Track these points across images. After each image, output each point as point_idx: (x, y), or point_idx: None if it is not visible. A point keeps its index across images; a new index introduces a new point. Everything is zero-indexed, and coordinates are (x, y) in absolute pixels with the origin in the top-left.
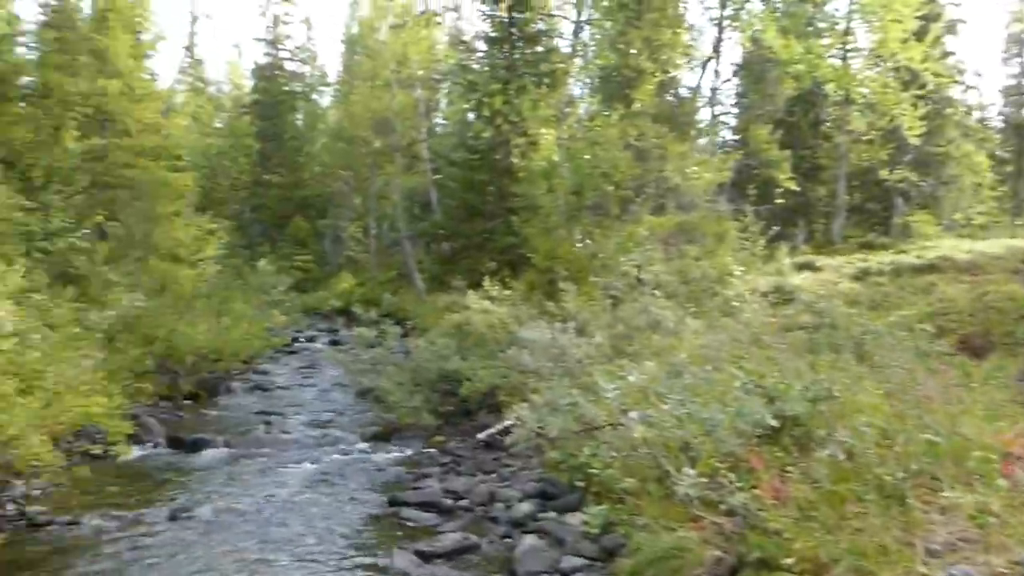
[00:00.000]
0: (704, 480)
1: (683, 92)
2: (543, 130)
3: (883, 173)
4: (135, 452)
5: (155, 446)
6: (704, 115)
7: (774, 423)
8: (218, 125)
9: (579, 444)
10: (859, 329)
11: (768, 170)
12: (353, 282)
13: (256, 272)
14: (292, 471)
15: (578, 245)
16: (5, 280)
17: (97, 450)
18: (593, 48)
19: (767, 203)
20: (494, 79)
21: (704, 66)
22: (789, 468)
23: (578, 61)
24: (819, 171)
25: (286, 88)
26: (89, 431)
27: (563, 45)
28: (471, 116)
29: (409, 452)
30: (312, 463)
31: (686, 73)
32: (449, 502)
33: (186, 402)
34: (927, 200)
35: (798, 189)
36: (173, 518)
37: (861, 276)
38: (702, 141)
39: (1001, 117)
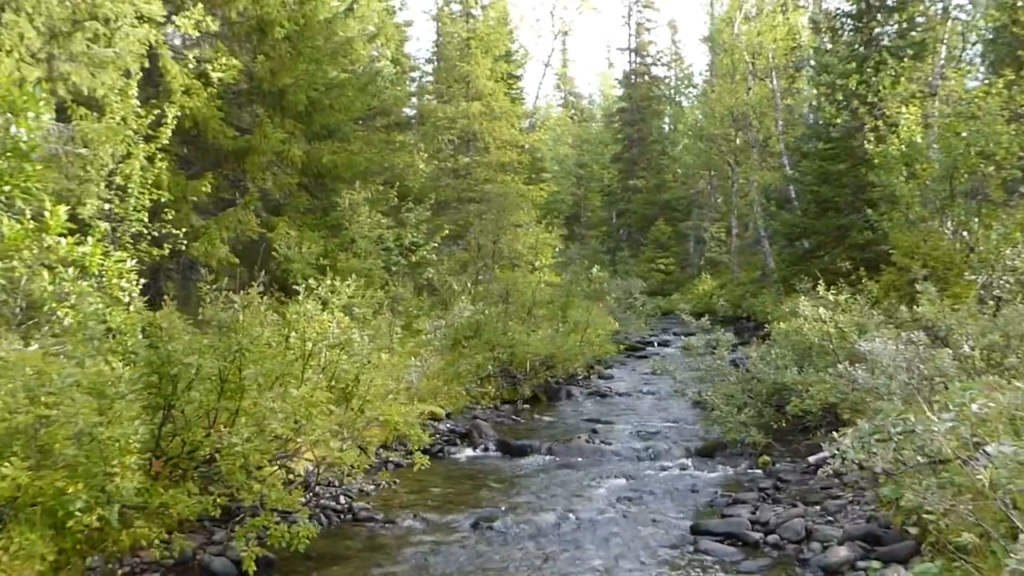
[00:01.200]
0: None
1: None
2: (903, 109)
3: None
4: (468, 453)
5: (485, 449)
6: None
7: None
8: (589, 134)
9: (916, 480)
10: None
11: None
12: (714, 283)
13: (590, 279)
14: (604, 484)
15: (947, 238)
16: (340, 293)
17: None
18: (972, 9)
19: None
20: (851, 58)
21: None
22: None
23: (955, 25)
24: None
25: (651, 93)
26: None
27: (933, 9)
28: (825, 102)
29: (731, 471)
30: (626, 477)
31: None
32: (757, 535)
33: (525, 406)
34: None
35: None
36: (475, 526)
37: None
38: None
39: None
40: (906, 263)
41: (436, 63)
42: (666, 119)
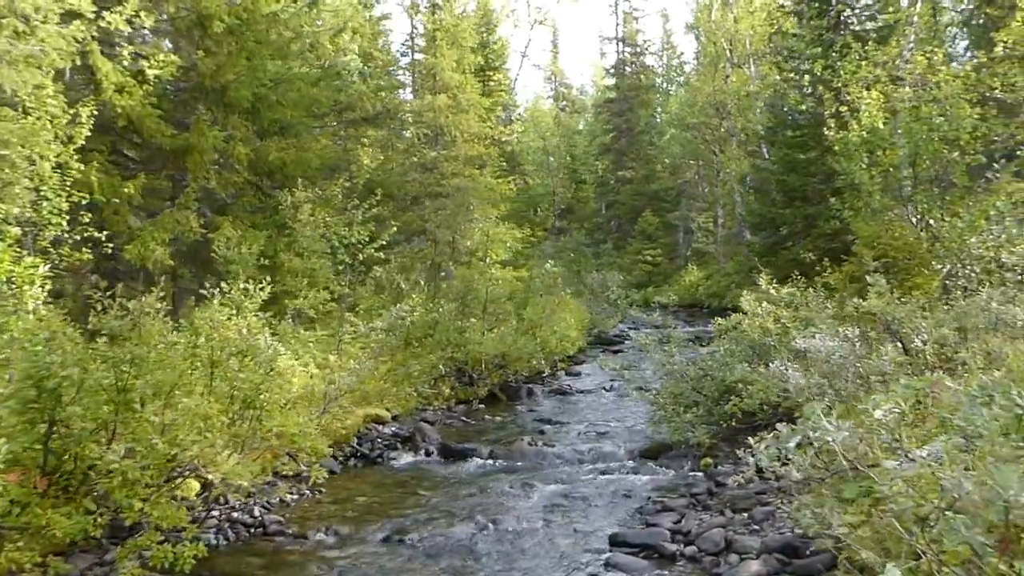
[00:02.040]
0: None
1: None
2: (866, 94)
3: None
4: (408, 459)
5: (428, 453)
6: None
7: None
8: (580, 127)
9: (834, 490)
10: None
11: None
12: (700, 274)
13: (544, 275)
14: (535, 491)
15: (911, 227)
16: (253, 297)
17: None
18: None
19: None
20: (817, 43)
21: None
22: None
23: (926, 7)
24: None
25: (639, 83)
26: (365, 439)
27: None
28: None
29: (672, 474)
30: (561, 483)
31: None
32: (675, 547)
33: (480, 406)
34: None
35: None
36: (387, 540)
37: None
38: None
39: None
40: (864, 253)
41: (411, 56)
42: (657, 108)
